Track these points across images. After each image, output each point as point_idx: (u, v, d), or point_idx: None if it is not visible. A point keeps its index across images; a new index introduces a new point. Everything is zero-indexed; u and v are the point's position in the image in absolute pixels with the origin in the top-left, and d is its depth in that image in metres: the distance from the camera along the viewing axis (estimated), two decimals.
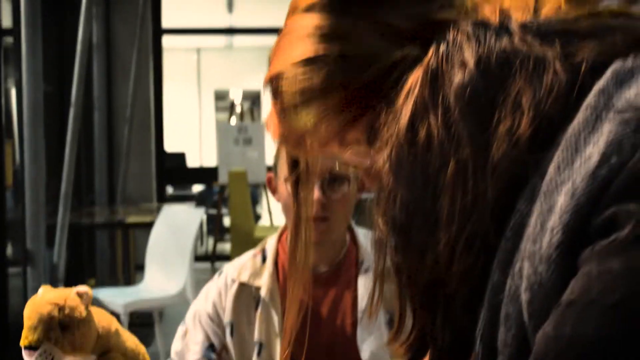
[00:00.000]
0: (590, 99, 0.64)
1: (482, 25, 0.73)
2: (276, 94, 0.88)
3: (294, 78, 0.85)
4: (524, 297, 0.62)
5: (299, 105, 0.85)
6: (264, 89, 0.91)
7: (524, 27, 0.72)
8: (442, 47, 0.74)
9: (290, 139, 0.90)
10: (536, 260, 0.61)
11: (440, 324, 0.72)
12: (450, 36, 0.74)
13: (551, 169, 0.63)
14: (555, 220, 0.61)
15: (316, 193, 1.82)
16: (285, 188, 1.88)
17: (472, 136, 0.68)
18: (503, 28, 0.72)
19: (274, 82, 0.88)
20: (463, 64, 0.71)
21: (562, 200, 0.61)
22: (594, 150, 0.61)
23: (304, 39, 0.84)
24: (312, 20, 0.85)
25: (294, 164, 1.11)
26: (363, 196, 1.97)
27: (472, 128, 0.68)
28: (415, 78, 0.74)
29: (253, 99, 13.29)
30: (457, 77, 0.70)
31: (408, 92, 0.74)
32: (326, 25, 0.84)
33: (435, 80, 0.72)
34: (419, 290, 0.73)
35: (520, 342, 0.63)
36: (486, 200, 0.67)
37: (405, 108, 0.74)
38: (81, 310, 1.36)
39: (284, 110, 0.88)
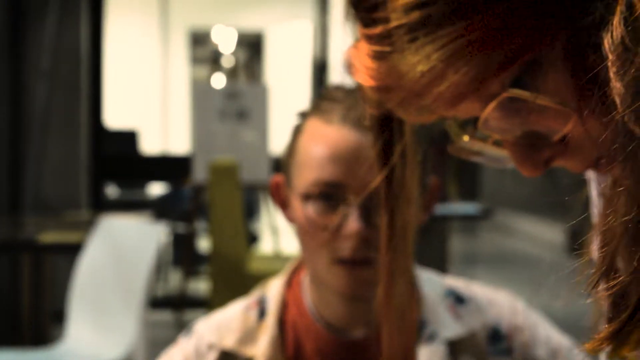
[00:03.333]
0: None
1: None
2: (373, 18, 0.71)
3: None
4: None
5: (419, 32, 0.67)
6: (345, 13, 0.72)
7: None
8: None
9: (398, 91, 0.71)
10: None
11: None
12: None
13: None
14: None
15: (354, 223, 1.56)
16: (301, 204, 1.62)
17: None
18: None
19: None
20: None
21: None
22: None
23: None
24: None
25: (385, 147, 0.90)
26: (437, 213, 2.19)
27: None
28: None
29: (252, 44, 12.58)
30: None
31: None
32: None
33: None
34: None
35: None
36: None
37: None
38: None
39: (390, 42, 0.69)
